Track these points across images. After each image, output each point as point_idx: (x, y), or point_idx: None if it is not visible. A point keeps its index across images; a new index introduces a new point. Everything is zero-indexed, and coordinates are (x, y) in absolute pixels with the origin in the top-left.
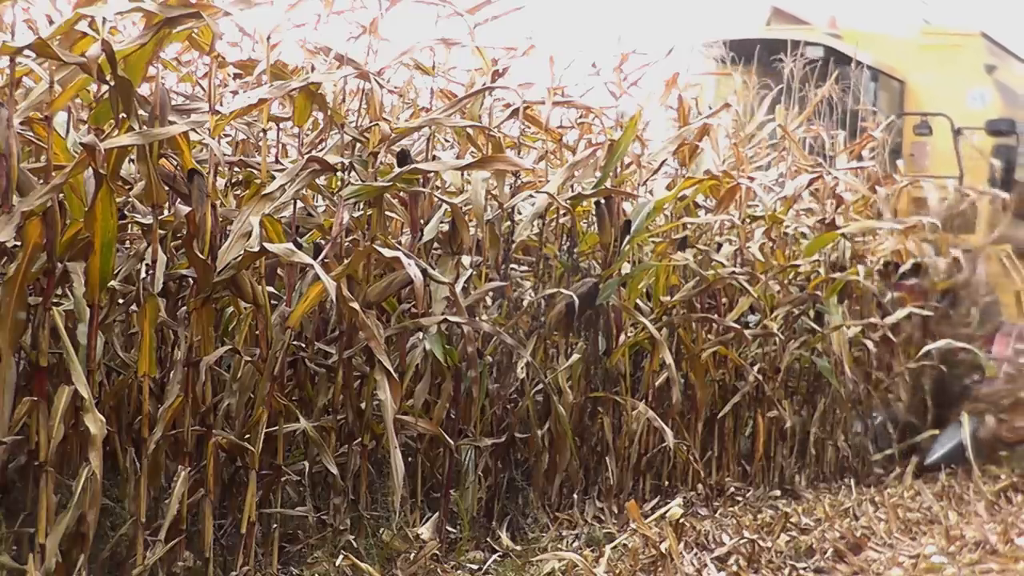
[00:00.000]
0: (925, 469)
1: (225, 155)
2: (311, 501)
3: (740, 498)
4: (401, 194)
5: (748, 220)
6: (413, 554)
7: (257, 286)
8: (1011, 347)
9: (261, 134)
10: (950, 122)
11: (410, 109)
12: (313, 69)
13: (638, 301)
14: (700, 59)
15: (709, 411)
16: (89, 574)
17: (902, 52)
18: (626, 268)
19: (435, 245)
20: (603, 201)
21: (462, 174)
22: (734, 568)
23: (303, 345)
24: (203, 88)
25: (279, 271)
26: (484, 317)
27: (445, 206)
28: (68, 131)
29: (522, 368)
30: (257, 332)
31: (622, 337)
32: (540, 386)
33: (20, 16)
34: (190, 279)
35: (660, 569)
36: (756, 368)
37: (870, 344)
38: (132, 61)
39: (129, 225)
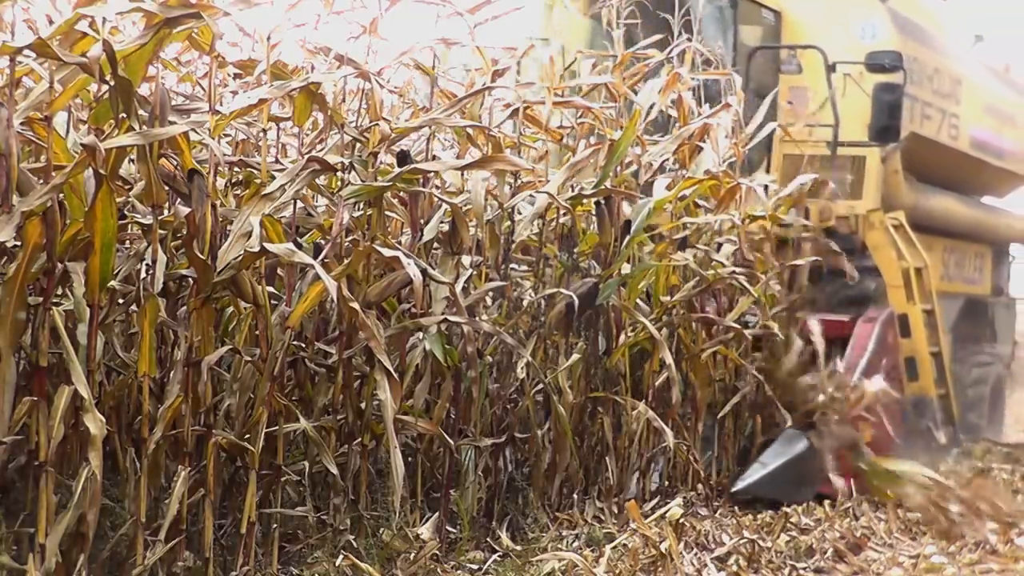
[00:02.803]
0: (737, 497)
1: (225, 155)
2: (311, 501)
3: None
4: (401, 194)
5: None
6: (413, 554)
7: (257, 286)
8: (873, 338)
9: (261, 134)
10: (822, 56)
11: (410, 109)
12: (313, 69)
13: (638, 300)
14: None
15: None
16: (89, 574)
17: None
18: (626, 268)
19: (435, 245)
20: (603, 201)
21: (462, 174)
22: (734, 568)
23: (303, 345)
24: (203, 88)
25: (279, 271)
26: (484, 317)
27: (445, 206)
28: (68, 131)
29: (522, 368)
30: (257, 332)
31: (622, 337)
32: (540, 386)
33: (20, 16)
34: (190, 279)
35: (660, 569)
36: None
37: None
38: (132, 61)
39: (129, 225)
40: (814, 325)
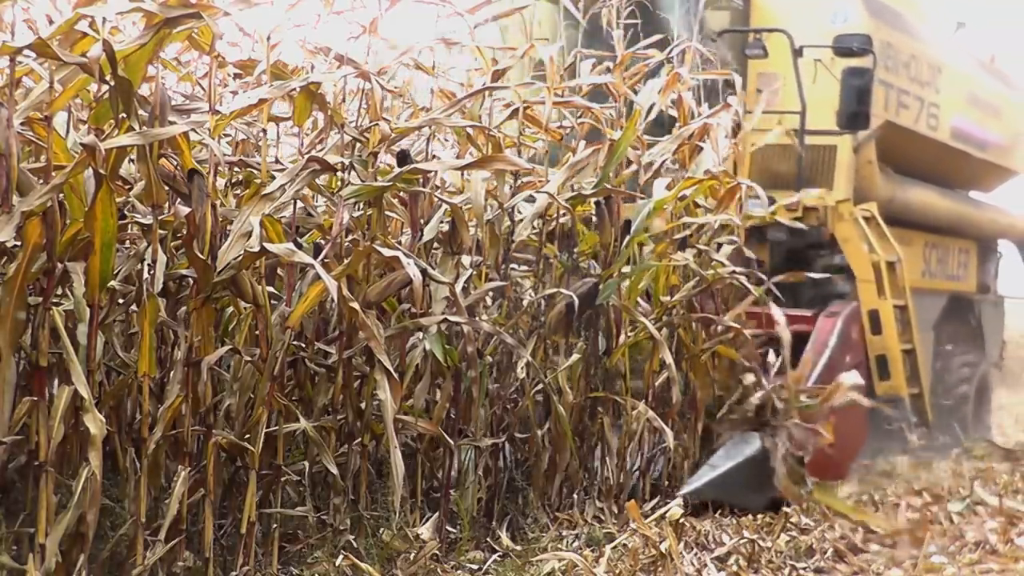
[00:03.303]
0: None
1: (225, 155)
2: (311, 501)
3: None
4: (401, 194)
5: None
6: (413, 554)
7: (257, 286)
8: (835, 334)
9: (261, 134)
10: (789, 40)
11: (410, 109)
12: (313, 69)
13: (639, 300)
14: None
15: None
16: (89, 574)
17: None
18: (625, 268)
19: (435, 245)
20: (603, 201)
21: (462, 174)
22: (734, 568)
23: (303, 345)
24: (203, 88)
25: (279, 271)
26: (484, 317)
27: (445, 206)
28: (68, 131)
29: (522, 368)
30: (257, 332)
31: (622, 337)
32: (540, 386)
33: (20, 16)
34: (190, 279)
35: (660, 569)
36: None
37: None
38: (132, 61)
39: (129, 225)
40: (776, 319)
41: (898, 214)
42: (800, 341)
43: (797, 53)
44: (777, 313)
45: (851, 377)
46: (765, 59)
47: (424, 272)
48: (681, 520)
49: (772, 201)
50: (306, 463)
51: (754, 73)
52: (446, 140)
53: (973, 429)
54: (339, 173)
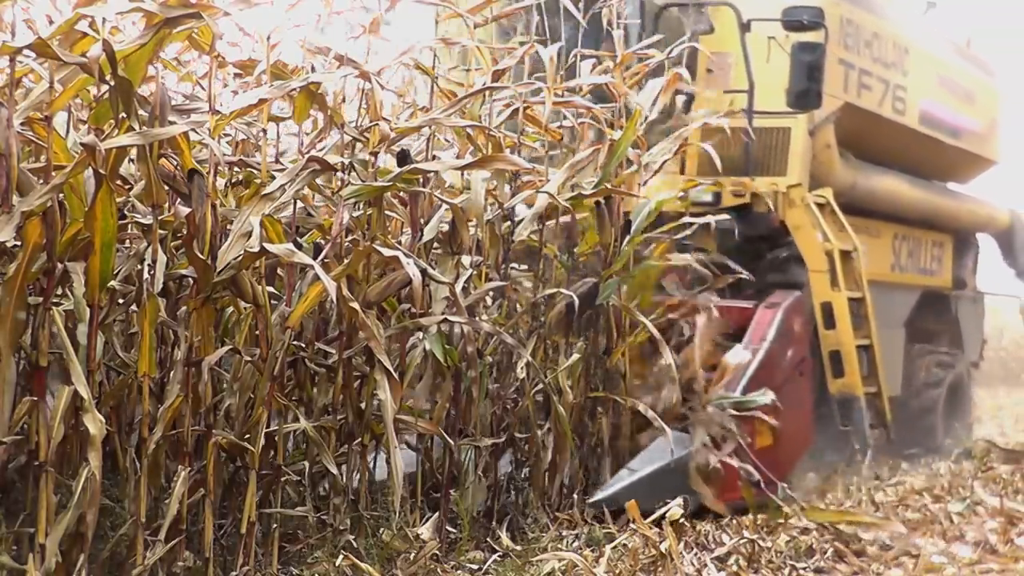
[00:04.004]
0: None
1: (225, 155)
2: (311, 501)
3: None
4: (400, 194)
5: None
6: (413, 554)
7: (257, 286)
8: (774, 326)
9: (261, 134)
10: (735, 14)
11: (410, 109)
12: (313, 69)
13: None
14: None
15: None
16: (89, 574)
17: None
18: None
19: (435, 245)
20: (603, 201)
21: (462, 174)
22: (734, 568)
23: (303, 345)
24: (203, 88)
25: (279, 271)
26: (484, 317)
27: (445, 206)
28: (68, 131)
29: (522, 368)
30: (257, 332)
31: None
32: (540, 386)
33: (20, 16)
34: (190, 279)
35: (660, 569)
36: None
37: None
38: (132, 61)
39: (129, 225)
40: (708, 312)
41: (862, 203)
42: (739, 335)
43: (744, 27)
44: (761, 317)
45: (739, 355)
46: (711, 34)
47: (424, 272)
48: (681, 520)
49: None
50: (306, 463)
51: (704, 53)
52: (448, 141)
53: (946, 434)
54: (339, 173)
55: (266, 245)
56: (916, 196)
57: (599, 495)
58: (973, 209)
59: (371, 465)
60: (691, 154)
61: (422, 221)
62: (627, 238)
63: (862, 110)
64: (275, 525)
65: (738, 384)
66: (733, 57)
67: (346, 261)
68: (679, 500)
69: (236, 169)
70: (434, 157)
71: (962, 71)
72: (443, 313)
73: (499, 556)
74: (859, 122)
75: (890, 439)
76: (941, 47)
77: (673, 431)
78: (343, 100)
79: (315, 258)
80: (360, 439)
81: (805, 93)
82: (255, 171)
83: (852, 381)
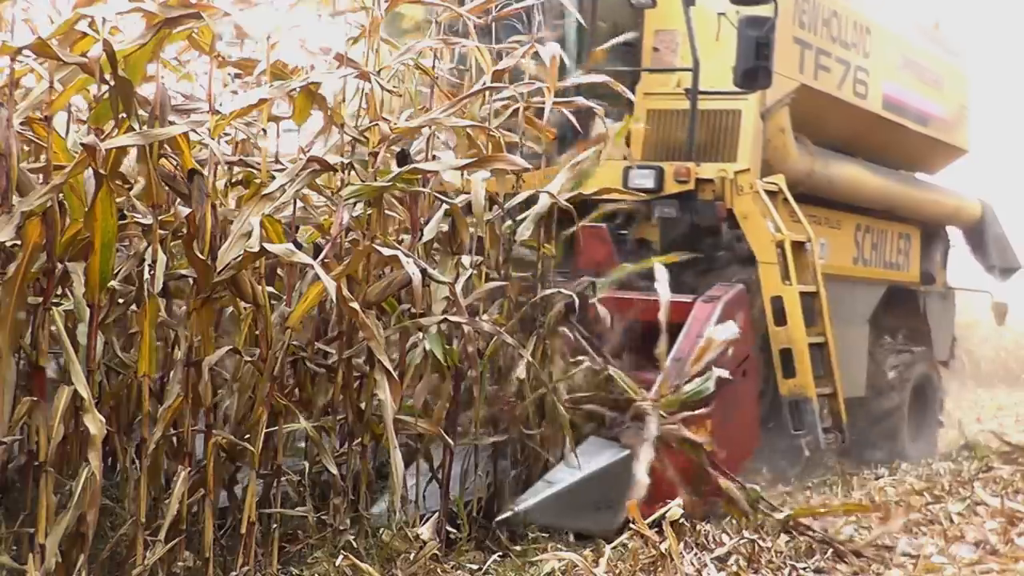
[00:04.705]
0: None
1: (225, 155)
2: (311, 501)
3: None
4: (397, 194)
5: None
6: (413, 554)
7: (257, 286)
8: (712, 321)
9: (262, 134)
10: None
11: (410, 109)
12: (312, 69)
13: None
14: None
15: None
16: (89, 574)
17: None
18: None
19: (435, 245)
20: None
21: (462, 174)
22: (734, 568)
23: (303, 345)
24: (203, 87)
25: (279, 271)
26: (484, 317)
27: (445, 206)
28: (68, 131)
29: (522, 368)
30: (257, 332)
31: None
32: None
33: (20, 16)
34: (190, 279)
35: (660, 569)
36: None
37: None
38: (132, 61)
39: (128, 225)
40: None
41: (820, 191)
42: (675, 330)
43: (688, 1)
44: (698, 312)
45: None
46: (654, 8)
47: (424, 272)
48: (681, 520)
49: (662, 173)
50: (306, 463)
51: (651, 31)
52: (447, 145)
53: (913, 437)
54: (339, 173)
55: (266, 245)
56: (880, 185)
57: (509, 511)
58: (942, 200)
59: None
60: (636, 137)
61: (422, 221)
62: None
63: (820, 93)
64: (275, 525)
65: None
66: (681, 35)
67: (346, 261)
68: (678, 500)
69: (236, 169)
70: (434, 157)
71: (929, 55)
72: (443, 313)
73: (499, 556)
74: (817, 106)
75: (845, 443)
76: (906, 29)
77: (599, 437)
78: (343, 100)
79: (315, 258)
80: (360, 439)
81: (753, 71)
82: (255, 171)
83: (804, 382)
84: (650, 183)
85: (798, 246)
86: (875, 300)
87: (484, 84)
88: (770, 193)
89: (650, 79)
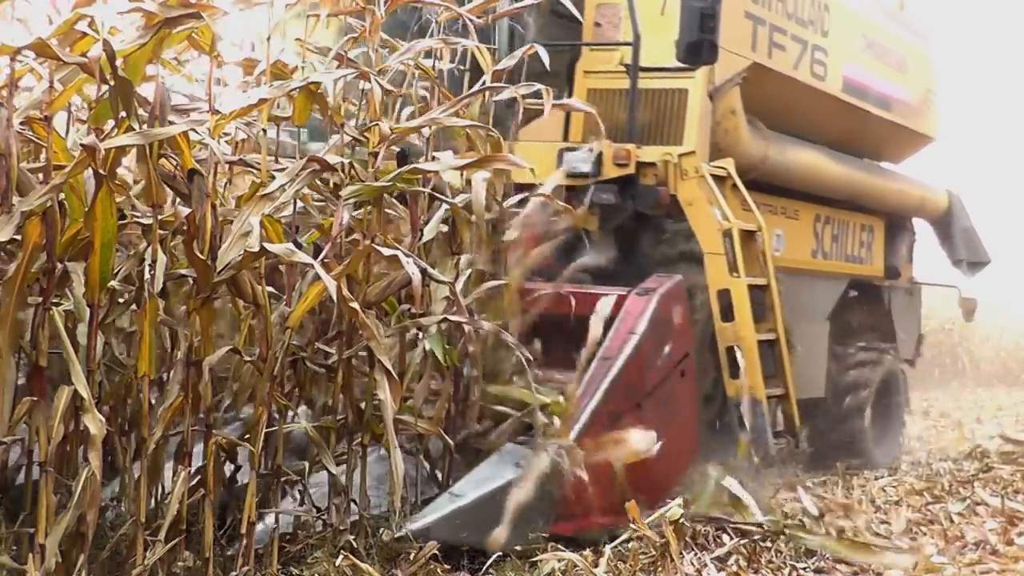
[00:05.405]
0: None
1: (225, 155)
2: (311, 501)
3: None
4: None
5: None
6: (413, 554)
7: (257, 286)
8: (646, 317)
9: (261, 133)
10: None
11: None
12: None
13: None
14: None
15: None
16: (89, 574)
17: None
18: None
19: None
20: None
21: (462, 174)
22: (734, 568)
23: (303, 345)
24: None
25: (280, 267)
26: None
27: (445, 206)
28: (68, 131)
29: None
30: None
31: None
32: None
33: (16, 15)
34: (190, 279)
35: (660, 569)
36: None
37: None
38: (132, 61)
39: (128, 225)
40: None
41: (776, 179)
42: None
43: None
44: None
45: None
46: None
47: (424, 272)
48: (681, 520)
49: (600, 156)
50: (306, 463)
51: (592, 4)
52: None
53: (877, 440)
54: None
55: (266, 245)
56: (841, 173)
57: (410, 526)
58: (907, 190)
59: None
60: (576, 115)
61: (422, 220)
62: None
63: (774, 73)
64: (275, 525)
65: (593, 393)
66: (624, 9)
67: (346, 261)
68: (678, 500)
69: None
70: (433, 158)
71: (893, 36)
72: (443, 313)
73: (499, 556)
74: (771, 87)
75: (799, 448)
76: (869, 8)
77: (516, 445)
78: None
79: (315, 258)
80: (361, 439)
81: (697, 45)
82: (255, 171)
83: (752, 382)
84: (587, 167)
85: (747, 236)
86: (836, 295)
87: (484, 84)
88: (717, 178)
89: (591, 57)
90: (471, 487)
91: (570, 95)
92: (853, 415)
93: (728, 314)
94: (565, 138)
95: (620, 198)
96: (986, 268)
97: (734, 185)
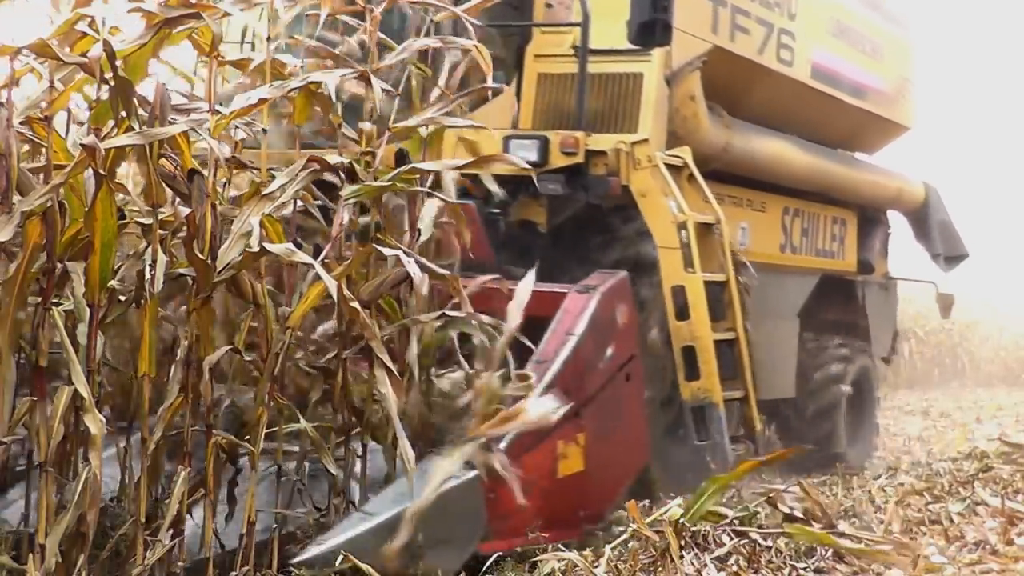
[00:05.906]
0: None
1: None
2: (311, 501)
3: None
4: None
5: None
6: None
7: (257, 286)
8: (586, 317)
9: (261, 133)
10: None
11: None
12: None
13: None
14: None
15: None
16: (89, 574)
17: None
18: None
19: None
20: None
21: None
22: (734, 568)
23: (303, 345)
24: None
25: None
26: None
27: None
28: (68, 131)
29: None
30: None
31: None
32: None
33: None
34: (189, 279)
35: (660, 569)
36: None
37: None
38: (132, 61)
39: (128, 225)
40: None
41: (741, 169)
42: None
43: None
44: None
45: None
46: None
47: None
48: (681, 520)
49: (547, 144)
50: (306, 463)
51: None
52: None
53: (850, 440)
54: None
55: (266, 245)
56: (810, 164)
57: (313, 550)
58: (882, 182)
59: None
60: (527, 102)
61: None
62: None
63: (737, 57)
64: (275, 525)
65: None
66: None
67: (346, 262)
68: (678, 500)
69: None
70: None
71: (867, 21)
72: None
73: (498, 556)
74: (734, 72)
75: (759, 453)
76: None
77: (439, 456)
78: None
79: (315, 258)
80: (361, 439)
81: (649, 26)
82: (255, 171)
83: (709, 384)
84: (533, 155)
85: (705, 229)
86: (806, 291)
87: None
88: (673, 168)
89: (542, 40)
90: (384, 505)
91: (520, 81)
92: (826, 415)
93: (683, 312)
94: (515, 125)
95: (568, 188)
96: (964, 262)
97: (691, 175)
